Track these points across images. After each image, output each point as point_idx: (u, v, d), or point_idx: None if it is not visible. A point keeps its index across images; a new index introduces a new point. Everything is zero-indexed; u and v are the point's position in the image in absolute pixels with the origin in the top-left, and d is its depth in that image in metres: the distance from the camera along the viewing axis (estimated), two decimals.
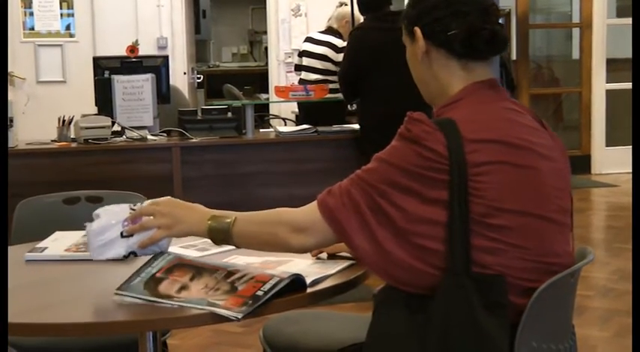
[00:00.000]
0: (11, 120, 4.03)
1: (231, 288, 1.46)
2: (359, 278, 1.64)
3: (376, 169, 1.44)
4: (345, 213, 1.44)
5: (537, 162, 1.45)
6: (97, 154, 4.21)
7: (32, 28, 6.86)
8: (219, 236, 1.57)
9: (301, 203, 1.54)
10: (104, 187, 2.64)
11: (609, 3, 7.38)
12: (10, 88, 6.63)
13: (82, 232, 2.00)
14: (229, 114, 4.49)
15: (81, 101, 5.71)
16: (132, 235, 1.60)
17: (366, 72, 4.19)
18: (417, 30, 1.53)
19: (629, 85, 4.12)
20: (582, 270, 1.54)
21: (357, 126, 4.49)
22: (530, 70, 7.65)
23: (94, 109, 4.52)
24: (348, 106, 5.23)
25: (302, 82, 5.36)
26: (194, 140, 4.34)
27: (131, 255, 1.62)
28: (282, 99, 5.22)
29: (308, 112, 5.29)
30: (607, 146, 7.38)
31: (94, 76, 4.56)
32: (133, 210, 1.62)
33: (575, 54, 7.86)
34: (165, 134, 4.48)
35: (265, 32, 8.08)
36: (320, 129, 4.55)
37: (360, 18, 4.68)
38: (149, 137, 4.34)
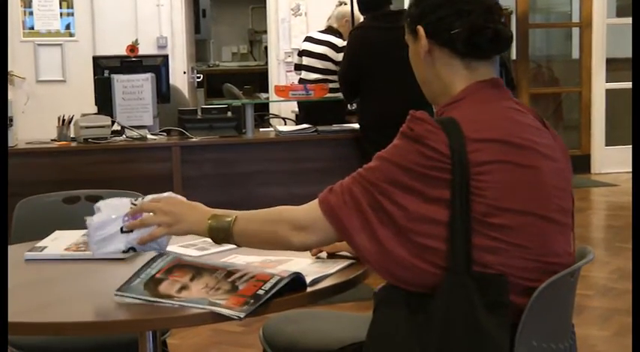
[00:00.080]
0: (11, 120, 4.03)
1: (231, 288, 1.46)
2: (358, 277, 1.64)
3: (378, 168, 1.44)
4: (346, 211, 1.44)
5: (539, 161, 1.45)
6: (97, 153, 4.21)
7: (32, 28, 6.85)
8: (220, 235, 1.57)
9: (301, 202, 1.54)
10: (104, 186, 2.64)
11: (609, 2, 7.38)
12: (9, 87, 6.63)
13: (82, 231, 2.00)
14: (229, 114, 4.49)
15: (81, 100, 5.71)
16: (132, 231, 1.60)
17: (366, 71, 4.19)
18: (420, 29, 1.53)
19: (629, 85, 4.12)
20: (582, 269, 1.54)
21: (356, 126, 4.49)
22: (530, 70, 7.65)
23: (94, 109, 4.52)
24: (348, 106, 5.23)
25: (302, 81, 5.36)
26: (194, 139, 4.34)
27: (130, 250, 1.62)
28: (282, 99, 5.22)
29: (308, 112, 5.29)
30: (607, 145, 7.37)
31: (94, 75, 4.56)
32: (134, 204, 1.62)
33: (575, 53, 7.85)
34: (165, 133, 4.48)
35: (265, 31, 8.08)
36: (320, 128, 4.55)
37: (359, 17, 4.68)
38: (149, 136, 4.34)
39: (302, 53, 5.51)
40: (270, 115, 6.86)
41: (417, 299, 1.42)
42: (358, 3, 4.41)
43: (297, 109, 5.87)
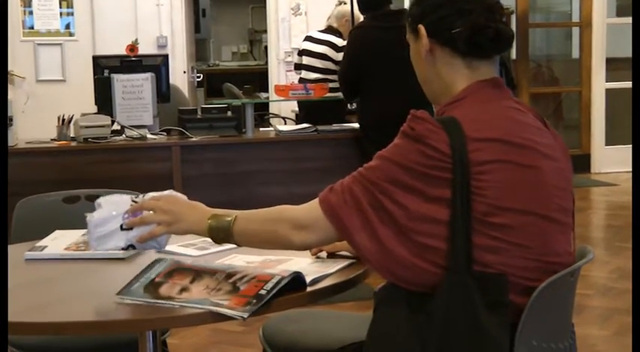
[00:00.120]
0: (11, 119, 4.03)
1: (233, 288, 1.47)
2: (358, 277, 1.64)
3: (378, 167, 1.44)
4: (346, 211, 1.44)
5: (540, 161, 1.45)
6: (97, 153, 4.21)
7: (32, 27, 6.85)
8: (220, 234, 1.57)
9: (301, 202, 1.54)
10: (104, 186, 2.64)
11: (609, 2, 7.37)
12: (9, 86, 6.62)
13: (82, 231, 2.00)
14: (229, 113, 4.49)
15: (80, 100, 5.71)
16: (132, 228, 1.60)
17: (366, 71, 4.19)
18: (421, 28, 1.53)
19: (628, 84, 4.12)
20: (582, 269, 1.54)
21: (356, 125, 4.49)
22: (530, 69, 7.64)
23: (94, 108, 4.52)
24: (348, 105, 5.23)
25: (302, 80, 5.36)
26: (194, 139, 4.34)
27: (130, 247, 1.62)
28: (282, 98, 5.22)
29: (308, 111, 5.29)
30: (607, 145, 7.37)
31: (94, 74, 4.56)
32: (135, 202, 1.63)
33: (575, 53, 7.85)
34: (165, 133, 4.48)
35: (265, 31, 8.07)
36: (320, 128, 4.55)
37: (359, 17, 4.68)
38: (149, 136, 4.34)
39: (302, 53, 5.51)
40: (270, 115, 6.86)
41: (418, 298, 1.42)
42: (358, 2, 4.40)
43: (297, 109, 5.87)
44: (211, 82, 9.52)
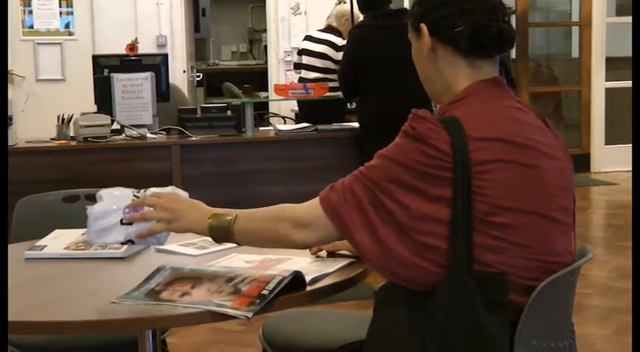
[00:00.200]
0: (11, 119, 4.03)
1: (234, 290, 1.47)
2: (358, 276, 1.64)
3: (379, 166, 1.44)
4: (347, 210, 1.44)
5: (541, 160, 1.45)
6: (97, 152, 4.21)
7: (31, 27, 6.85)
8: (220, 234, 1.57)
9: (301, 201, 1.54)
10: (104, 185, 2.60)
11: (609, 1, 7.37)
12: (9, 86, 6.62)
13: (82, 230, 2.00)
14: (229, 113, 4.49)
15: (80, 99, 5.71)
16: (132, 223, 1.60)
17: (366, 70, 4.19)
18: (423, 26, 1.53)
19: (628, 84, 4.12)
20: (581, 268, 1.54)
21: (356, 125, 4.49)
22: (529, 69, 7.64)
23: (94, 107, 4.52)
24: (348, 105, 5.23)
25: (302, 80, 5.36)
26: (193, 138, 4.34)
27: (129, 242, 1.62)
28: (281, 98, 5.22)
29: (308, 110, 5.29)
30: (606, 144, 7.37)
31: (94, 74, 4.55)
32: (136, 196, 1.63)
33: (575, 52, 7.85)
34: (164, 132, 4.47)
35: (265, 30, 8.07)
36: (319, 127, 4.55)
37: (359, 16, 4.68)
38: (148, 135, 4.34)
39: (301, 52, 5.50)
40: (270, 114, 6.86)
41: (418, 297, 1.42)
42: (358, 2, 4.40)
43: (296, 108, 5.87)
44: (211, 82, 9.52)
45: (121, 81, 4.31)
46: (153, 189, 1.65)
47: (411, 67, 1.62)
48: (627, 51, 3.52)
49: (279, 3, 7.30)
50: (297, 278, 1.50)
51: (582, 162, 7.18)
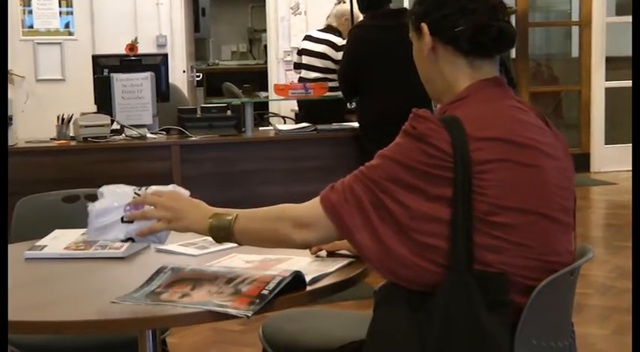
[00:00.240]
0: (10, 119, 4.03)
1: (235, 291, 1.47)
2: (358, 276, 1.64)
3: (380, 166, 1.44)
4: (347, 209, 1.44)
5: (541, 160, 1.45)
6: (97, 152, 4.21)
7: (31, 26, 6.85)
8: (221, 234, 1.57)
9: (300, 201, 1.54)
10: (103, 185, 2.64)
11: (608, 1, 7.37)
12: (9, 86, 6.62)
13: (82, 230, 2.00)
14: (229, 113, 4.49)
15: (80, 99, 5.71)
16: (132, 221, 1.60)
17: (366, 70, 4.19)
18: (424, 26, 1.53)
19: (628, 83, 4.12)
20: (581, 268, 1.54)
21: (356, 124, 4.49)
22: (529, 68, 7.64)
23: (94, 107, 4.52)
24: (348, 104, 5.23)
25: (302, 80, 5.36)
26: (193, 138, 4.34)
27: (129, 240, 1.63)
28: (281, 98, 5.22)
29: (308, 110, 5.29)
30: (606, 144, 7.37)
31: (94, 74, 4.55)
32: (137, 194, 1.63)
33: (575, 52, 7.85)
34: (164, 132, 4.47)
35: (265, 30, 8.07)
36: (319, 127, 4.55)
37: (359, 16, 4.68)
38: (148, 135, 4.34)
39: (301, 52, 5.50)
40: (270, 114, 6.86)
41: (418, 297, 1.42)
42: (358, 2, 4.40)
43: (296, 108, 5.87)
44: (211, 82, 9.52)
45: (120, 81, 4.31)
46: (154, 187, 1.65)
47: (410, 66, 1.62)
48: (627, 50, 3.52)
49: (279, 3, 7.30)
50: (297, 278, 1.50)
51: (582, 161, 7.18)
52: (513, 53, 7.40)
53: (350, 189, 1.45)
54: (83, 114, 4.39)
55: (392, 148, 1.45)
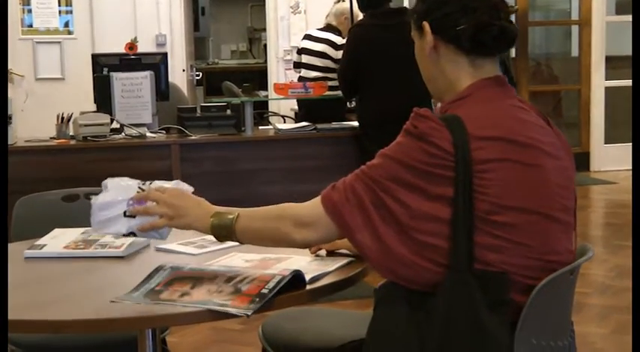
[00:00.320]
0: (10, 118, 4.03)
1: (235, 290, 1.47)
2: (358, 275, 1.64)
3: (381, 165, 1.44)
4: (348, 209, 1.44)
5: (542, 160, 1.45)
6: (96, 151, 4.21)
7: (30, 25, 6.85)
8: (222, 232, 1.57)
9: (300, 200, 1.54)
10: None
11: (608, 0, 7.37)
12: (8, 85, 6.62)
13: (81, 229, 2.00)
14: (228, 112, 4.48)
15: (80, 98, 5.71)
16: (135, 216, 1.60)
17: (365, 69, 4.19)
18: (426, 25, 1.53)
19: (628, 82, 4.12)
20: (581, 267, 1.54)
21: (356, 124, 4.49)
22: (529, 68, 7.64)
23: (93, 106, 4.51)
24: (347, 104, 5.23)
25: (301, 79, 5.36)
26: (193, 137, 4.34)
27: (131, 234, 1.63)
28: (281, 97, 5.22)
29: (308, 110, 5.29)
30: (606, 143, 7.37)
31: (93, 73, 4.55)
32: (142, 189, 1.63)
33: (575, 51, 7.85)
34: (164, 131, 4.47)
35: (264, 29, 8.07)
36: (319, 126, 4.54)
37: (359, 14, 4.68)
38: (148, 134, 4.34)
39: (301, 51, 5.50)
40: (270, 113, 6.86)
41: (418, 296, 1.42)
42: (358, 0, 4.40)
43: (296, 107, 5.87)
44: (210, 81, 9.52)
45: (120, 80, 4.31)
46: (158, 182, 1.66)
47: (410, 65, 1.62)
48: (627, 49, 3.52)
49: (279, 2, 7.30)
50: (296, 277, 1.50)
51: (582, 161, 7.18)
52: (513, 52, 7.41)
53: (351, 188, 1.45)
54: (83, 113, 4.39)
55: (393, 147, 1.45)
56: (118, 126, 4.34)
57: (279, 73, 7.33)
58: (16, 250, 1.92)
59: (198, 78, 7.83)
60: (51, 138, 4.30)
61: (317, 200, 1.49)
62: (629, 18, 4.53)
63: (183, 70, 7.20)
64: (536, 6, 8.16)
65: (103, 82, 4.34)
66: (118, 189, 1.63)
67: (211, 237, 1.62)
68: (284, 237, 1.53)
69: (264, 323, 2.04)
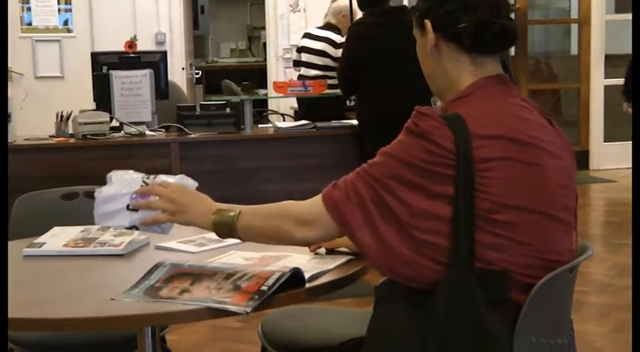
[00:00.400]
0: (9, 116, 4.02)
1: (234, 287, 1.47)
2: (357, 273, 1.64)
3: (382, 163, 1.44)
4: (349, 207, 1.44)
5: (544, 159, 1.45)
6: (96, 150, 4.21)
7: (30, 24, 6.85)
8: (224, 229, 1.57)
9: (300, 198, 1.54)
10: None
11: None
12: (8, 83, 6.61)
13: (81, 227, 2.00)
14: (228, 110, 4.48)
15: (79, 97, 5.70)
16: (137, 210, 1.61)
17: (365, 67, 4.18)
18: (427, 23, 1.53)
19: None
20: (580, 266, 1.54)
21: (355, 122, 4.49)
22: (528, 66, 7.64)
23: (92, 105, 4.51)
24: (347, 102, 5.23)
25: (301, 77, 5.36)
26: (193, 135, 4.34)
27: (133, 228, 1.63)
28: (280, 95, 5.21)
29: (307, 108, 5.29)
30: (605, 141, 7.38)
31: (92, 71, 4.55)
32: (146, 183, 1.63)
33: (574, 50, 7.85)
34: (163, 129, 4.47)
35: (264, 28, 8.07)
36: (318, 124, 4.54)
37: (357, 12, 4.67)
38: (147, 132, 4.33)
39: (301, 49, 5.50)
40: (269, 111, 6.86)
41: (418, 295, 1.42)
42: None
43: (296, 106, 5.87)
44: (210, 79, 9.51)
45: (119, 78, 4.30)
46: (162, 177, 1.66)
47: (410, 64, 1.62)
48: (626, 48, 3.52)
49: (278, 0, 7.29)
50: (296, 276, 1.50)
51: (581, 159, 7.18)
52: (512, 51, 7.40)
53: (352, 186, 1.45)
54: (82, 111, 4.38)
55: (394, 146, 1.45)
56: (117, 124, 4.33)
57: (278, 71, 7.33)
58: (15, 248, 1.92)
59: (197, 76, 7.83)
60: (50, 136, 4.30)
61: (318, 198, 1.49)
62: (628, 16, 4.53)
63: (183, 69, 7.20)
64: (536, 4, 8.16)
65: (103, 81, 4.34)
66: (123, 182, 1.64)
67: (211, 235, 1.62)
68: (285, 235, 1.53)
69: (263, 321, 2.04)
